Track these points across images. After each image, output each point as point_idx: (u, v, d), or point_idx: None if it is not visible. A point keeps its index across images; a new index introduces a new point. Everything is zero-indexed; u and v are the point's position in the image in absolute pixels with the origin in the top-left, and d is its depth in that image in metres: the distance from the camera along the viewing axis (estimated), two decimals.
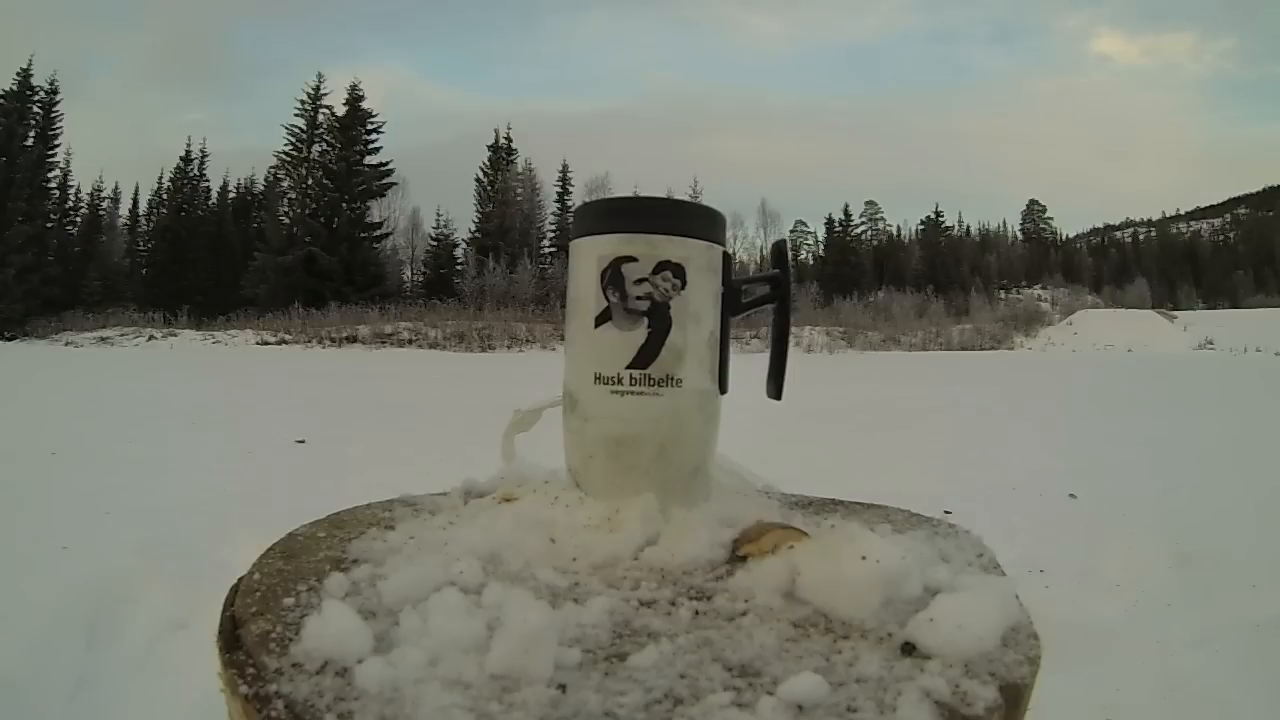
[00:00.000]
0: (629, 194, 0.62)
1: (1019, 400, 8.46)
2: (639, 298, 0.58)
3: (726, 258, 0.63)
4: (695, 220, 0.61)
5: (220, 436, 4.75)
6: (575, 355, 0.61)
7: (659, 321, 0.58)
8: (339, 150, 31.67)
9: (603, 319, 0.59)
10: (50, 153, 29.97)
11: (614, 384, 0.59)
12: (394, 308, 25.89)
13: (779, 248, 0.68)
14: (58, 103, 30.00)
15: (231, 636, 0.43)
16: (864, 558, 0.48)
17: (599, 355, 0.59)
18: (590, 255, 0.60)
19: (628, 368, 0.58)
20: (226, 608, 0.47)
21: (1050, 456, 4.34)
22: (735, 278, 0.64)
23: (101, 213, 33.82)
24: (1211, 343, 25.62)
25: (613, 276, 0.58)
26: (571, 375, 0.62)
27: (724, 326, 0.63)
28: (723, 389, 0.63)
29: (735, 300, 0.64)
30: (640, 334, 0.58)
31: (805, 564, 0.50)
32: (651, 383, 0.58)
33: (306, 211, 31.02)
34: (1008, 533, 2.54)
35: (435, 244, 35.81)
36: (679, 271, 0.59)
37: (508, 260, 30.10)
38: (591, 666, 0.40)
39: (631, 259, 0.58)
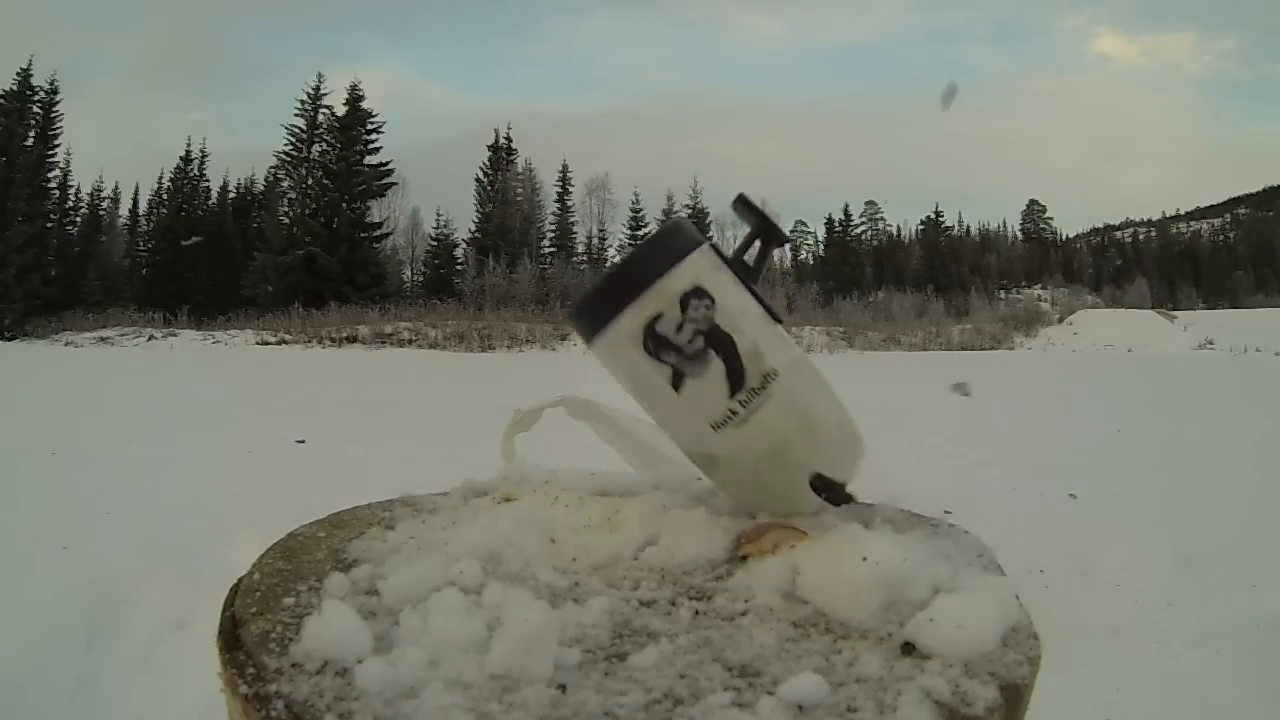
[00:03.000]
0: (603, 271, 0.60)
1: (1019, 400, 8.46)
2: (690, 340, 0.58)
3: (714, 246, 0.62)
4: (670, 243, 0.60)
5: (220, 436, 4.74)
6: (679, 425, 0.61)
7: (720, 342, 0.58)
8: (339, 150, 31.63)
9: (678, 380, 0.58)
10: (50, 153, 29.94)
11: (732, 419, 0.58)
12: (394, 308, 25.88)
13: (742, 201, 0.66)
14: (58, 103, 29.99)
15: (231, 636, 0.43)
16: (865, 558, 0.48)
17: (701, 409, 0.58)
18: (620, 344, 0.59)
19: (731, 398, 0.58)
20: (226, 608, 0.47)
21: (1050, 456, 4.34)
22: (733, 255, 0.63)
23: (101, 213, 33.81)
24: (1211, 343, 25.61)
25: (656, 342, 0.58)
26: (689, 442, 0.61)
27: (758, 298, 0.62)
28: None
29: (748, 270, 0.63)
30: (717, 364, 0.58)
31: (805, 564, 0.50)
32: (757, 391, 0.58)
33: (306, 211, 31.00)
34: (1008, 533, 2.53)
35: (435, 244, 35.79)
36: (700, 293, 0.58)
37: (508, 260, 30.07)
38: (591, 666, 0.40)
39: (656, 317, 0.58)
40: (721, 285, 0.59)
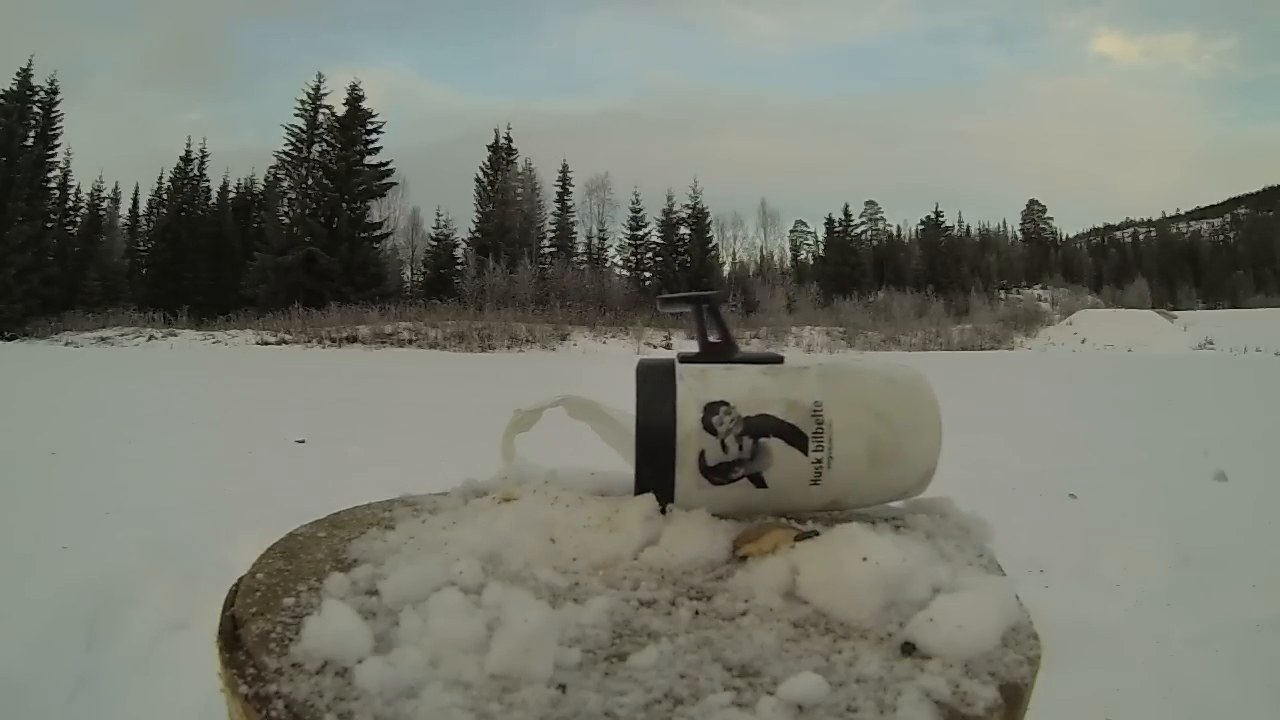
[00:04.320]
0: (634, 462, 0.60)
1: (1019, 399, 8.46)
2: (739, 448, 0.57)
3: (682, 357, 0.62)
4: (655, 393, 0.59)
5: (220, 436, 4.74)
6: (789, 504, 0.61)
7: (761, 426, 0.57)
8: (339, 150, 31.65)
9: (759, 481, 0.58)
10: (50, 153, 29.98)
11: (821, 467, 0.58)
12: (394, 308, 25.91)
13: (663, 302, 0.68)
14: (58, 103, 30.06)
15: (231, 636, 0.43)
16: (865, 558, 0.48)
17: (793, 483, 0.59)
18: (696, 497, 0.58)
19: (806, 455, 0.58)
20: (226, 608, 0.47)
21: (1050, 456, 4.34)
22: (699, 343, 0.63)
23: (101, 213, 33.85)
24: (1211, 343, 25.65)
25: (718, 473, 0.57)
26: (806, 506, 0.61)
27: (748, 358, 0.62)
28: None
29: (722, 345, 0.63)
30: (775, 443, 0.57)
31: (805, 564, 0.50)
32: (820, 432, 0.58)
33: (306, 211, 31.01)
34: (1008, 533, 2.53)
35: (435, 244, 35.83)
36: (711, 408, 0.57)
37: (508, 260, 30.11)
38: (591, 666, 0.40)
39: (701, 456, 0.57)
40: (718, 384, 0.59)
